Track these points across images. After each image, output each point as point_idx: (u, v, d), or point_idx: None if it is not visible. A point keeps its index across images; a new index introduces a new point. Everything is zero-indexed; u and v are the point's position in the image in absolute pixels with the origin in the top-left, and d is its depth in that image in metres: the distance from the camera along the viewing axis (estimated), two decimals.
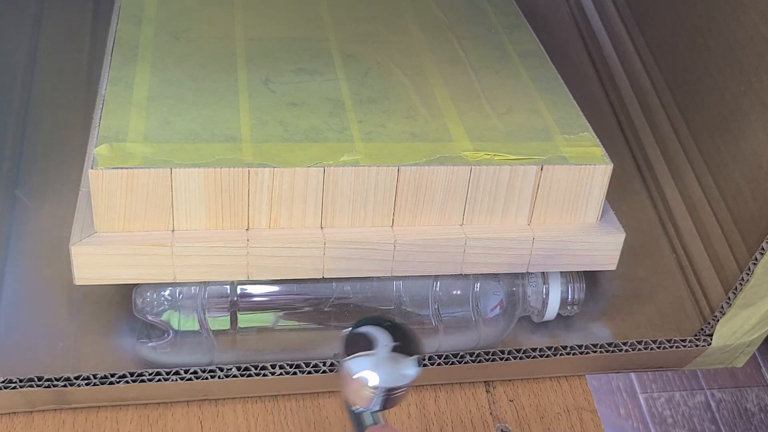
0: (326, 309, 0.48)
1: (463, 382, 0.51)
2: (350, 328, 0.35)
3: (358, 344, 0.35)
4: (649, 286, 0.57)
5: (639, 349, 0.52)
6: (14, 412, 0.47)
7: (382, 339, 0.35)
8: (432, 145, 0.47)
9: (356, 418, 0.36)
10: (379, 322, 0.36)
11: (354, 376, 0.34)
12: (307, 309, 0.48)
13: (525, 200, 0.47)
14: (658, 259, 0.59)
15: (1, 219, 0.55)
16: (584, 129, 0.50)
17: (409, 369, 0.34)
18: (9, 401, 0.46)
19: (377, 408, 0.35)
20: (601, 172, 0.48)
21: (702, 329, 0.53)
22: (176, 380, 0.46)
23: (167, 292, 0.47)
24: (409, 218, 0.47)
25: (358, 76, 0.52)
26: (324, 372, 0.48)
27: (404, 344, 0.35)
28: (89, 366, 0.48)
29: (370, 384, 0.34)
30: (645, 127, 0.65)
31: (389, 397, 0.34)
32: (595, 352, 0.51)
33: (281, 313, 0.48)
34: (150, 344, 0.47)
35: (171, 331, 0.47)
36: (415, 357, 0.35)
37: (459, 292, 0.49)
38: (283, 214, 0.45)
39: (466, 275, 0.49)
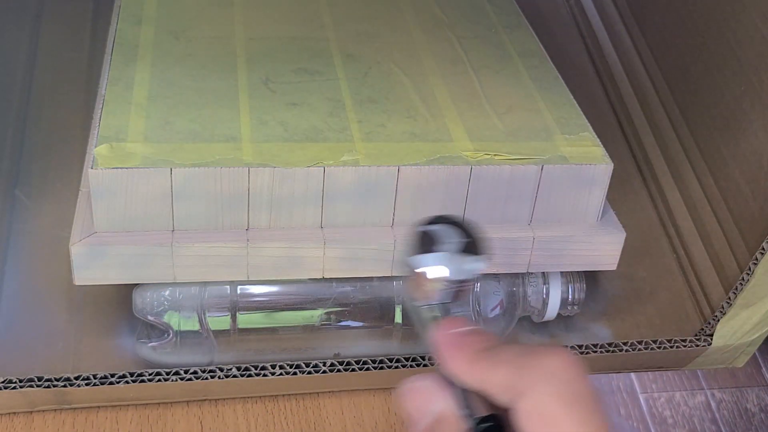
0: (326, 309, 0.48)
1: None
2: (420, 226, 0.36)
3: (428, 241, 0.36)
4: (649, 286, 0.57)
5: (639, 349, 0.52)
6: (14, 412, 0.47)
7: (450, 236, 0.36)
8: (432, 145, 0.47)
9: (418, 313, 0.36)
10: (447, 220, 0.37)
11: (422, 270, 0.35)
12: (307, 309, 0.48)
13: (525, 200, 0.47)
14: (658, 259, 0.59)
15: (1, 219, 0.55)
16: (584, 129, 0.50)
17: (475, 263, 0.35)
18: (9, 401, 0.46)
19: (444, 301, 0.36)
20: (602, 172, 0.48)
21: (702, 329, 0.53)
22: (176, 380, 0.46)
23: (167, 292, 0.47)
24: (409, 218, 0.47)
25: (358, 75, 0.52)
26: (324, 372, 0.48)
27: (473, 241, 0.36)
28: (89, 366, 0.48)
29: (441, 276, 0.35)
30: (645, 127, 0.65)
31: (457, 291, 0.36)
32: (595, 352, 0.51)
33: (281, 313, 0.48)
34: (150, 344, 0.47)
35: (171, 331, 0.47)
36: (482, 254, 0.36)
37: None
38: (283, 213, 0.45)
39: None
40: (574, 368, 0.31)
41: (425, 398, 0.34)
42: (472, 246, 0.36)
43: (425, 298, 0.36)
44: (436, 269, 0.35)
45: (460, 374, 0.33)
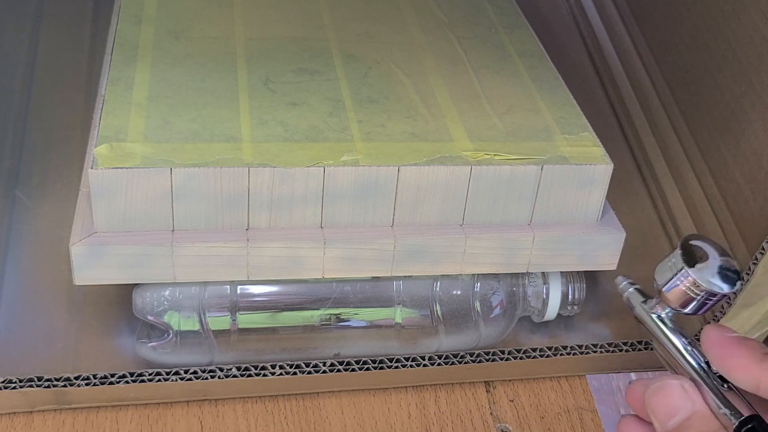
0: (326, 309, 0.48)
1: (463, 382, 0.51)
2: (688, 239, 0.39)
3: (694, 254, 0.39)
4: (649, 286, 0.57)
5: (639, 349, 0.52)
6: (14, 412, 0.47)
7: (711, 252, 0.39)
8: (432, 144, 0.47)
9: (659, 322, 0.40)
10: (705, 239, 0.40)
11: (693, 277, 0.38)
12: (307, 309, 0.48)
13: (525, 200, 0.47)
14: (658, 259, 0.59)
15: (1, 219, 0.55)
16: (584, 129, 0.50)
17: (728, 282, 0.38)
18: (9, 401, 0.46)
19: (690, 311, 0.39)
20: (602, 172, 0.47)
21: (702, 329, 0.53)
22: (176, 380, 0.46)
23: (167, 292, 0.47)
24: (409, 218, 0.47)
25: (358, 75, 0.52)
26: (324, 372, 0.48)
27: (729, 264, 0.39)
28: (89, 366, 0.48)
29: (700, 285, 0.38)
30: (645, 127, 0.65)
31: (705, 303, 0.38)
32: (595, 352, 0.51)
33: (281, 313, 0.48)
34: (150, 344, 0.47)
35: (171, 331, 0.47)
36: (736, 274, 0.39)
37: (459, 292, 0.49)
38: (283, 213, 0.45)
39: (466, 275, 0.49)
40: None
41: (678, 396, 0.35)
42: (728, 268, 0.38)
43: (677, 306, 0.39)
44: (705, 279, 0.38)
45: (741, 372, 0.34)
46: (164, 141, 0.45)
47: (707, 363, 0.37)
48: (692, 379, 0.36)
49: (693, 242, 0.39)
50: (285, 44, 0.54)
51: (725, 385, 0.35)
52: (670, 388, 0.36)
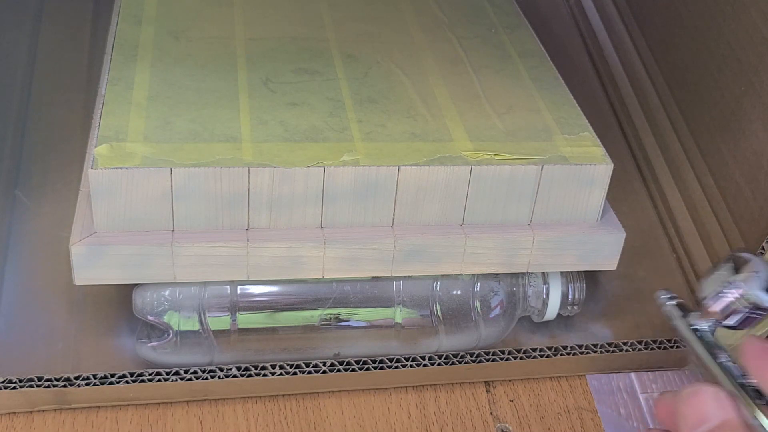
0: (326, 309, 0.48)
1: (464, 382, 0.51)
2: (735, 252, 0.39)
3: (741, 267, 0.38)
4: (649, 286, 0.57)
5: (639, 349, 0.52)
6: (14, 412, 0.47)
7: (760, 266, 0.38)
8: (432, 144, 0.47)
9: (696, 336, 0.39)
10: (753, 253, 0.39)
11: (738, 289, 0.37)
12: (307, 309, 0.48)
13: (525, 200, 0.47)
14: (658, 259, 0.59)
15: (1, 219, 0.55)
16: (584, 129, 0.50)
17: None
18: (9, 401, 0.46)
19: (733, 324, 0.38)
20: (602, 172, 0.47)
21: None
22: (176, 380, 0.46)
23: (167, 292, 0.47)
24: (409, 218, 0.47)
25: (358, 76, 0.52)
26: (324, 372, 0.48)
27: None
28: (89, 366, 0.48)
29: (747, 297, 0.37)
30: (645, 127, 0.65)
31: (749, 317, 0.38)
32: (595, 352, 0.51)
33: (281, 313, 0.48)
34: (150, 344, 0.47)
35: (171, 331, 0.47)
36: None
37: (459, 292, 0.49)
38: (283, 213, 0.45)
39: (466, 275, 0.49)
40: None
41: (711, 403, 0.35)
42: None
43: (721, 318, 0.38)
44: (753, 292, 0.37)
45: None
46: (164, 141, 0.45)
47: (744, 376, 0.36)
48: (728, 391, 0.36)
49: (740, 255, 0.39)
50: (285, 44, 0.54)
51: (761, 400, 0.35)
52: (703, 394, 0.35)
